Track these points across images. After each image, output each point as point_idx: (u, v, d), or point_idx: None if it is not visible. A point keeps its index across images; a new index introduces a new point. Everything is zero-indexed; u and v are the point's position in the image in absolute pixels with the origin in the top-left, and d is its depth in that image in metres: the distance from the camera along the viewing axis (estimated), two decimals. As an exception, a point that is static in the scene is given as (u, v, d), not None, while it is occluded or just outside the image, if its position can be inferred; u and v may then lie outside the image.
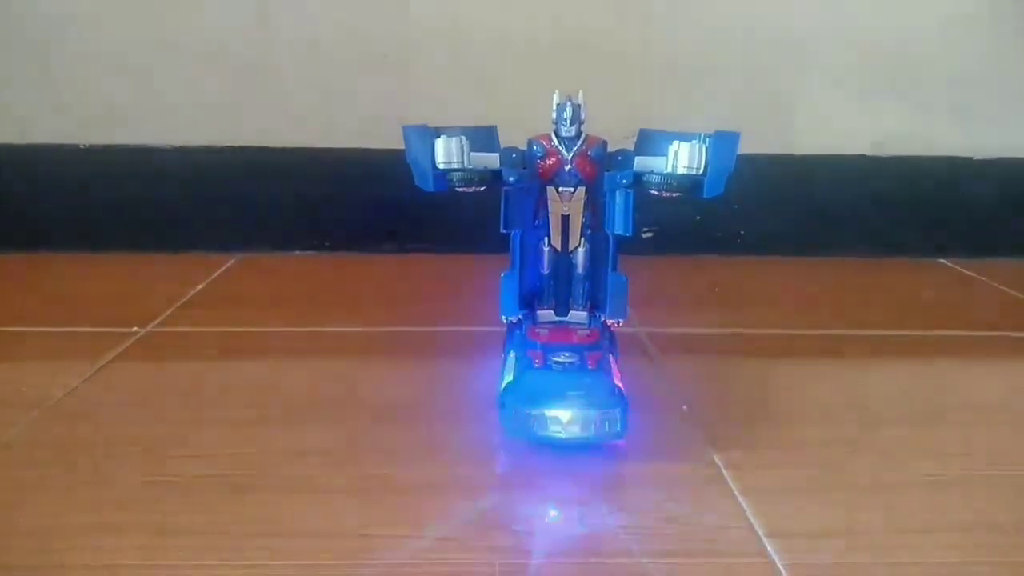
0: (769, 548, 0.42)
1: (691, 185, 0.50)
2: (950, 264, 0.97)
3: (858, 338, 0.74)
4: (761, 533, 0.43)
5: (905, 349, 0.72)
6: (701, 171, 0.49)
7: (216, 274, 0.89)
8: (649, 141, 0.53)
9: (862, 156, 0.98)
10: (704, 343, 0.72)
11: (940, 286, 0.91)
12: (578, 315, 0.56)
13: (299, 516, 0.44)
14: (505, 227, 0.52)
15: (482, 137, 0.53)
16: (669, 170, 0.50)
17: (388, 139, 0.94)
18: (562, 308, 0.56)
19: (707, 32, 0.94)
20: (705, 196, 0.49)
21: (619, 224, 0.51)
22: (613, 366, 0.52)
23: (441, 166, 0.50)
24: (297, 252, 0.98)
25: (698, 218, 0.98)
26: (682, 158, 0.49)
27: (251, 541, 0.42)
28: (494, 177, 0.51)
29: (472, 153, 0.51)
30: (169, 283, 0.84)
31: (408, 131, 0.51)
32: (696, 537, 0.43)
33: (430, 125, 0.51)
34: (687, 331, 0.74)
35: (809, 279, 0.92)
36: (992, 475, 0.50)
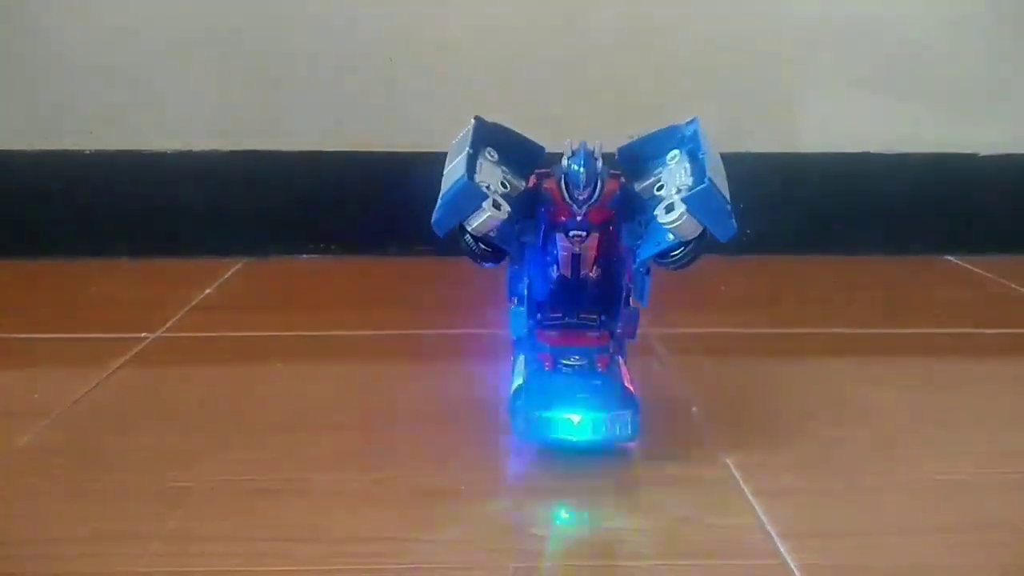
0: (782, 549, 0.42)
1: (707, 236, 0.46)
2: (957, 261, 0.97)
3: (867, 336, 0.74)
4: (774, 534, 0.43)
5: (915, 348, 0.72)
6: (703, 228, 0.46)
7: (224, 278, 0.89)
8: (632, 160, 0.50)
9: (867, 154, 0.97)
10: (713, 343, 0.72)
11: (948, 284, 0.91)
12: (587, 317, 0.55)
13: (314, 521, 0.44)
14: (511, 297, 0.51)
15: (526, 157, 0.50)
16: (672, 239, 0.46)
17: (392, 142, 0.95)
18: (571, 313, 0.55)
19: (711, 29, 0.94)
20: (723, 241, 0.46)
21: (636, 295, 0.50)
22: (623, 368, 0.52)
23: (469, 231, 0.47)
24: (304, 256, 0.98)
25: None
26: (679, 230, 0.45)
27: (266, 547, 0.42)
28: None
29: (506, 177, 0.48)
30: (177, 288, 0.84)
31: (464, 186, 0.45)
32: (709, 539, 0.43)
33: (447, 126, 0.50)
34: (695, 331, 0.74)
35: (816, 278, 0.92)
36: (1004, 474, 0.50)
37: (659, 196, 0.47)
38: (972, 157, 0.98)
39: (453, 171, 0.47)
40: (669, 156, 0.49)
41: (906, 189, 0.99)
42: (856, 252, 0.99)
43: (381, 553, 0.42)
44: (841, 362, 0.69)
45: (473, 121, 0.50)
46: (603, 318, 0.54)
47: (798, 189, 0.97)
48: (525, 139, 0.51)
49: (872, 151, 0.97)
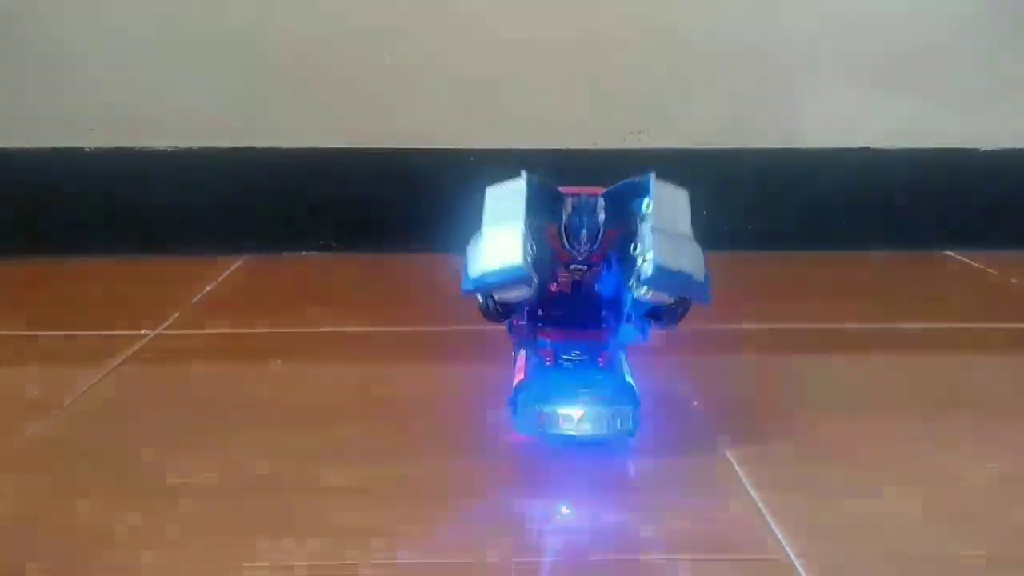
0: (784, 543, 0.42)
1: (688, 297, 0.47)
2: (958, 257, 0.97)
3: (868, 332, 0.74)
4: (776, 528, 0.43)
5: (916, 343, 0.72)
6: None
7: (224, 275, 0.89)
8: (617, 201, 0.50)
9: (867, 149, 0.97)
10: (713, 338, 0.72)
11: (949, 279, 0.91)
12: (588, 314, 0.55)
13: (314, 516, 0.44)
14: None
15: (548, 203, 0.49)
16: (658, 302, 0.47)
17: (392, 139, 0.95)
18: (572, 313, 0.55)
19: (712, 25, 0.94)
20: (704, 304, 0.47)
21: (638, 332, 0.50)
22: (624, 363, 0.52)
23: (494, 297, 0.47)
24: (304, 253, 0.98)
25: (704, 213, 0.97)
26: (653, 301, 0.46)
27: (266, 542, 0.42)
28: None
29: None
30: (177, 285, 0.84)
31: (522, 275, 0.45)
32: (710, 533, 0.43)
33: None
34: (696, 327, 0.74)
35: (817, 273, 0.92)
36: (1004, 469, 0.50)
37: (635, 256, 0.47)
38: (973, 152, 0.98)
39: (503, 245, 0.46)
40: (644, 203, 0.49)
41: (907, 185, 0.98)
42: (857, 248, 0.99)
43: (381, 549, 0.42)
44: (841, 357, 0.69)
45: (523, 178, 0.48)
46: (604, 314, 0.54)
47: (799, 185, 0.97)
48: (552, 188, 0.50)
49: (873, 146, 0.97)
